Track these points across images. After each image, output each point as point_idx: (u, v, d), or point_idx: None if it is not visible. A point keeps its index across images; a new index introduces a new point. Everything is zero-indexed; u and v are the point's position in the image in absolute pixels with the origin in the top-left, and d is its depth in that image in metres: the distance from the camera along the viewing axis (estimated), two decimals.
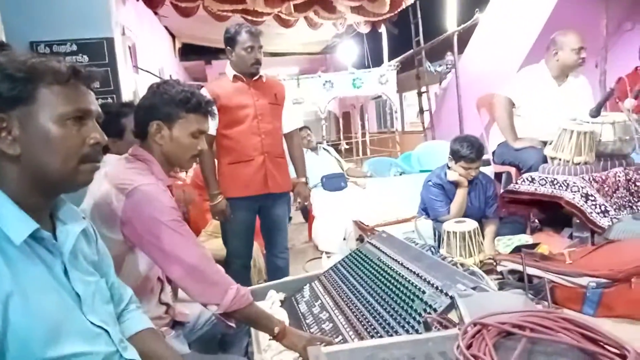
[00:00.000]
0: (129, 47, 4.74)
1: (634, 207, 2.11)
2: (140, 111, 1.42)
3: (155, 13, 7.00)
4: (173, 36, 9.37)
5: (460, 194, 2.53)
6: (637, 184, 2.14)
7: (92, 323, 0.88)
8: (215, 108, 1.57)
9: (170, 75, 7.75)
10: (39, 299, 0.79)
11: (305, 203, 2.76)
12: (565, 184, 2.11)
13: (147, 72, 5.30)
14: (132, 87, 4.04)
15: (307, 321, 1.49)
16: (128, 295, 1.15)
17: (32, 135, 0.82)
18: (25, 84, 0.82)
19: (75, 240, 0.91)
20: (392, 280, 1.42)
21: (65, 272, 0.88)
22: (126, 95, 3.10)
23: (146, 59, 5.83)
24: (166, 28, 8.58)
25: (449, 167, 2.61)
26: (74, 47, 2.81)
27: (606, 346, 0.71)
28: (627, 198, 2.13)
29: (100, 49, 2.87)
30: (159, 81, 1.49)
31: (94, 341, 0.87)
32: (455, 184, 2.57)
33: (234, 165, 2.45)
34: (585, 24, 3.78)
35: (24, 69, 0.81)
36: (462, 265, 1.53)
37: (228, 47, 2.41)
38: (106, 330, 0.91)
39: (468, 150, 2.48)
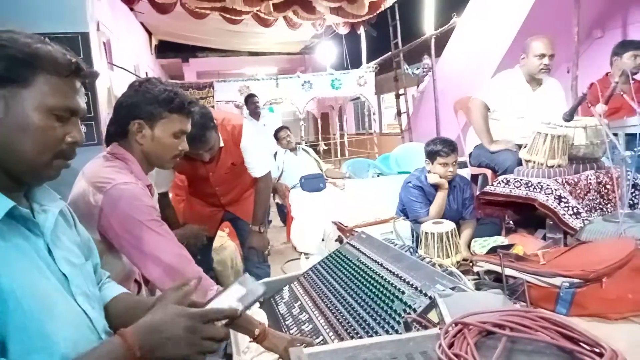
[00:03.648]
0: (104, 43, 4.64)
1: (604, 209, 2.18)
2: (121, 109, 1.39)
3: (131, 9, 6.87)
4: (149, 33, 9.22)
5: (440, 197, 2.56)
6: (607, 186, 2.20)
7: (79, 306, 0.87)
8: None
9: (146, 73, 7.62)
10: (24, 279, 0.77)
11: (265, 253, 2.57)
12: (539, 186, 2.16)
13: (122, 68, 5.20)
14: (107, 83, 3.95)
15: (287, 322, 1.49)
16: (105, 276, 1.13)
17: (14, 118, 0.79)
18: (24, 68, 0.79)
19: (55, 220, 0.89)
20: (372, 281, 1.43)
21: (50, 252, 0.85)
22: (101, 93, 3.03)
23: (121, 55, 5.72)
24: (142, 24, 8.44)
25: (428, 171, 2.65)
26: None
27: (582, 344, 0.73)
28: (598, 200, 2.20)
29: (75, 43, 2.79)
30: (141, 79, 1.46)
31: (79, 325, 0.85)
32: (436, 187, 2.60)
33: (194, 199, 2.51)
34: (557, 31, 3.89)
35: (26, 52, 0.79)
36: (440, 265, 1.55)
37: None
38: (90, 317, 0.89)
39: (441, 145, 2.55)
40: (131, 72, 5.82)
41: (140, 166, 1.38)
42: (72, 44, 2.82)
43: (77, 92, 0.87)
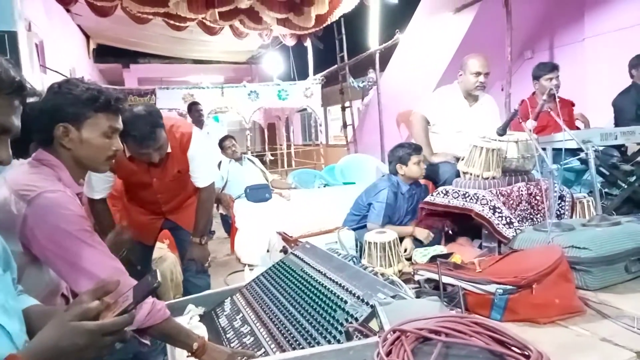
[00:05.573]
0: (36, 45, 4.38)
1: (535, 219, 2.31)
2: (43, 115, 1.29)
3: (68, 10, 6.56)
4: (87, 36, 8.82)
5: (407, 232, 2.61)
6: (537, 197, 2.34)
7: None
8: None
9: (83, 77, 7.27)
10: None
11: (206, 265, 2.48)
12: (476, 197, 2.25)
13: (56, 72, 4.93)
14: (39, 87, 3.73)
15: (228, 336, 1.45)
16: (18, 289, 1.04)
17: None
18: None
19: None
20: (315, 291, 1.42)
21: None
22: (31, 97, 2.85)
23: (55, 58, 5.43)
24: (79, 27, 8.06)
25: (402, 175, 2.74)
26: None
27: (512, 347, 0.76)
28: (529, 211, 2.33)
29: (1, 43, 2.60)
30: (59, 81, 1.38)
31: None
32: (409, 195, 2.73)
33: (132, 207, 2.42)
34: (492, 51, 4.12)
35: None
36: (382, 274, 1.57)
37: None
38: (9, 332, 0.82)
39: (410, 147, 2.73)
40: (66, 76, 5.53)
41: (68, 172, 1.29)
42: None
43: (15, 111, 0.85)
